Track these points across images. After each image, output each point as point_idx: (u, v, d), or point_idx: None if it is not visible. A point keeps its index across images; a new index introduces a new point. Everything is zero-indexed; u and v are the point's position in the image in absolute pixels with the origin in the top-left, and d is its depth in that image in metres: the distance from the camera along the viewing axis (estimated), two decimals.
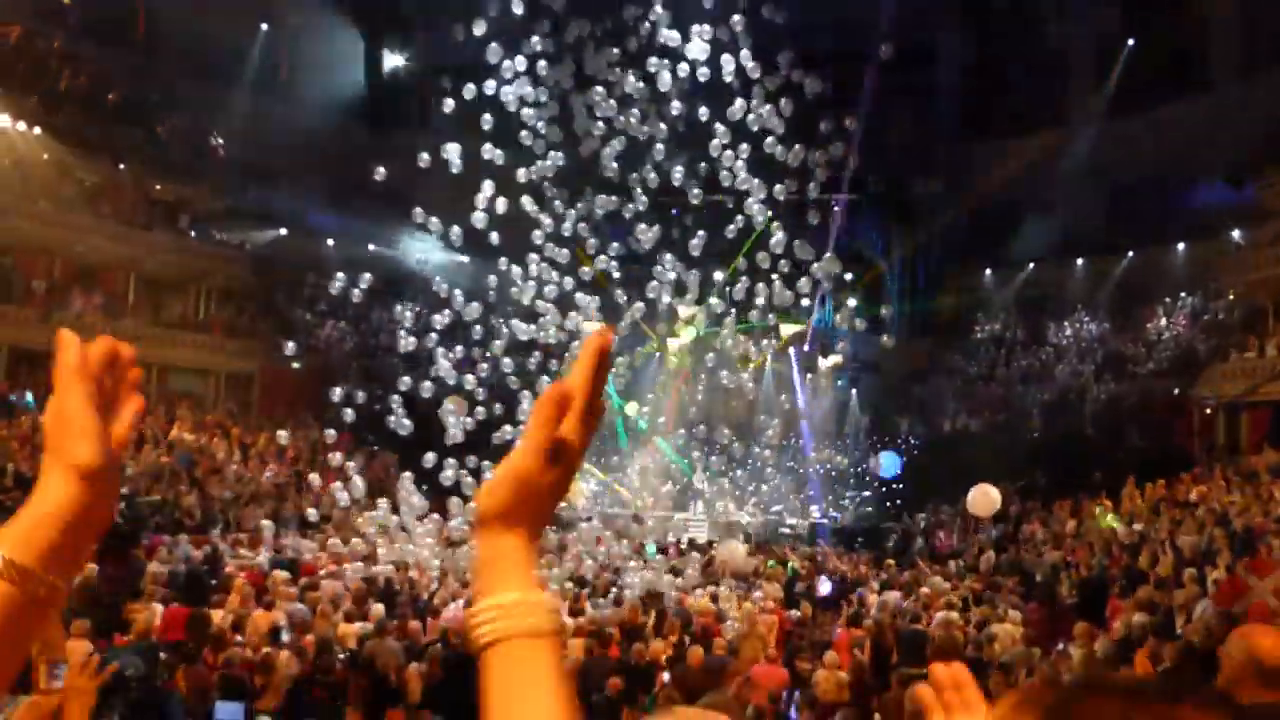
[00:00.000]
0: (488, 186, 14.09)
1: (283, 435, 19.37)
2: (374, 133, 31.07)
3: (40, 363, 23.34)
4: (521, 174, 14.26)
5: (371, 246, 29.35)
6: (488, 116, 14.07)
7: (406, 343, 15.65)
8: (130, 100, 25.65)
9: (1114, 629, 9.78)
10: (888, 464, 17.78)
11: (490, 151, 14.04)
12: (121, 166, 24.99)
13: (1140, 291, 26.53)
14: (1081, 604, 14.64)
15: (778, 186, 14.93)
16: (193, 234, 27.08)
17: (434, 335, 15.28)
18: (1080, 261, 28.39)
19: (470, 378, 15.03)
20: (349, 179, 29.43)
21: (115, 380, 1.11)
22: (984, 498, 16.15)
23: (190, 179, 26.81)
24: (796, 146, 13.78)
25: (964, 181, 31.55)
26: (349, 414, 15.85)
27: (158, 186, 26.22)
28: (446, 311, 14.81)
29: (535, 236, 14.58)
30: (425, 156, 14.06)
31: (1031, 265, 29.53)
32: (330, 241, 29.04)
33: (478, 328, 15.03)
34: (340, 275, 15.29)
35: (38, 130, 22.73)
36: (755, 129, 13.61)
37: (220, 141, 28.67)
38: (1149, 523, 17.08)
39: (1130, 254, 27.19)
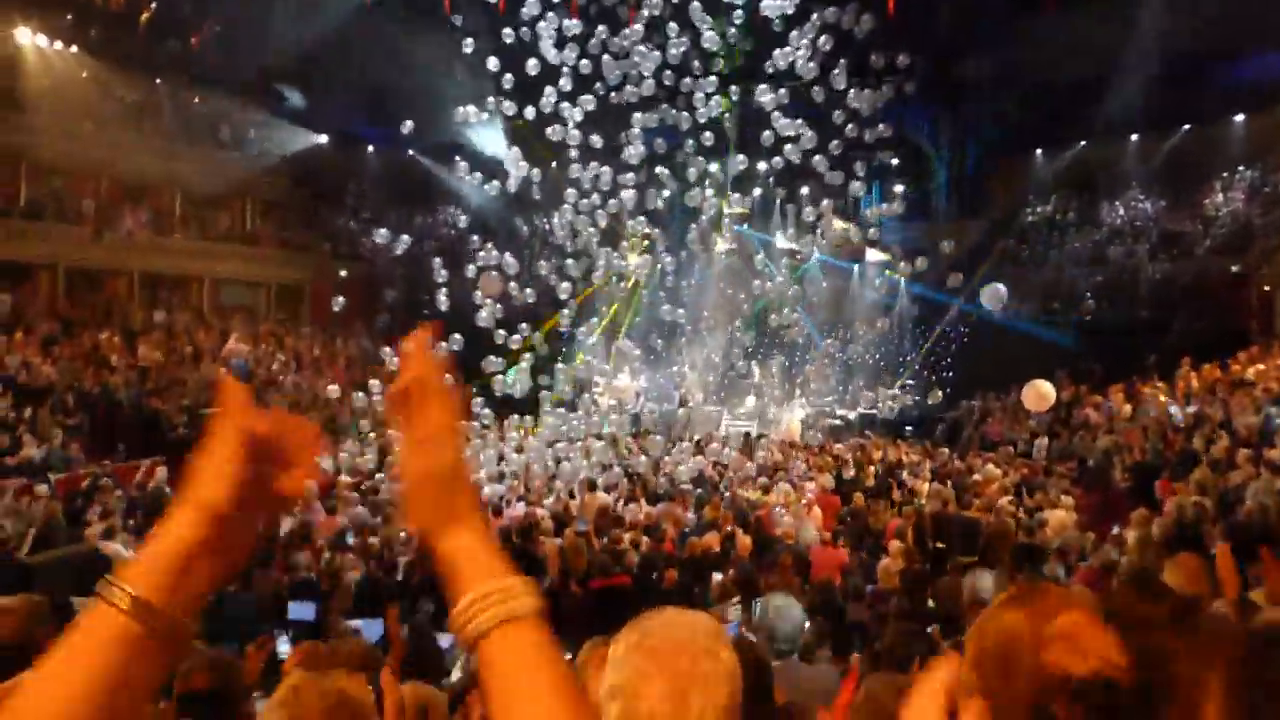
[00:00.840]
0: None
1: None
2: (407, 35, 30.57)
3: (98, 281, 23.80)
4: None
5: (410, 152, 29.27)
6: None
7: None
8: (163, 13, 25.45)
9: (1166, 511, 9.76)
10: (991, 296, 17.50)
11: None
12: (159, 81, 24.93)
13: (1196, 167, 25.73)
14: (1135, 488, 14.63)
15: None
16: (233, 146, 27.09)
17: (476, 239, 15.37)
18: (1134, 138, 27.53)
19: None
20: (385, 83, 29.25)
21: (296, 443, 1.11)
22: (1037, 394, 15.99)
23: (228, 91, 26.70)
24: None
25: (1012, 61, 30.47)
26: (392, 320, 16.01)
27: (196, 100, 26.17)
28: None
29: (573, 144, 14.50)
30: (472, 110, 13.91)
31: (1083, 144, 28.68)
32: (370, 149, 28.94)
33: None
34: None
35: (74, 49, 22.71)
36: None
37: (254, 50, 28.38)
38: (1205, 404, 16.87)
39: (1185, 128, 26.29)
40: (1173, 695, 1.16)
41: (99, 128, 23.66)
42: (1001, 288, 16.79)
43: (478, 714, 3.22)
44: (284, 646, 5.26)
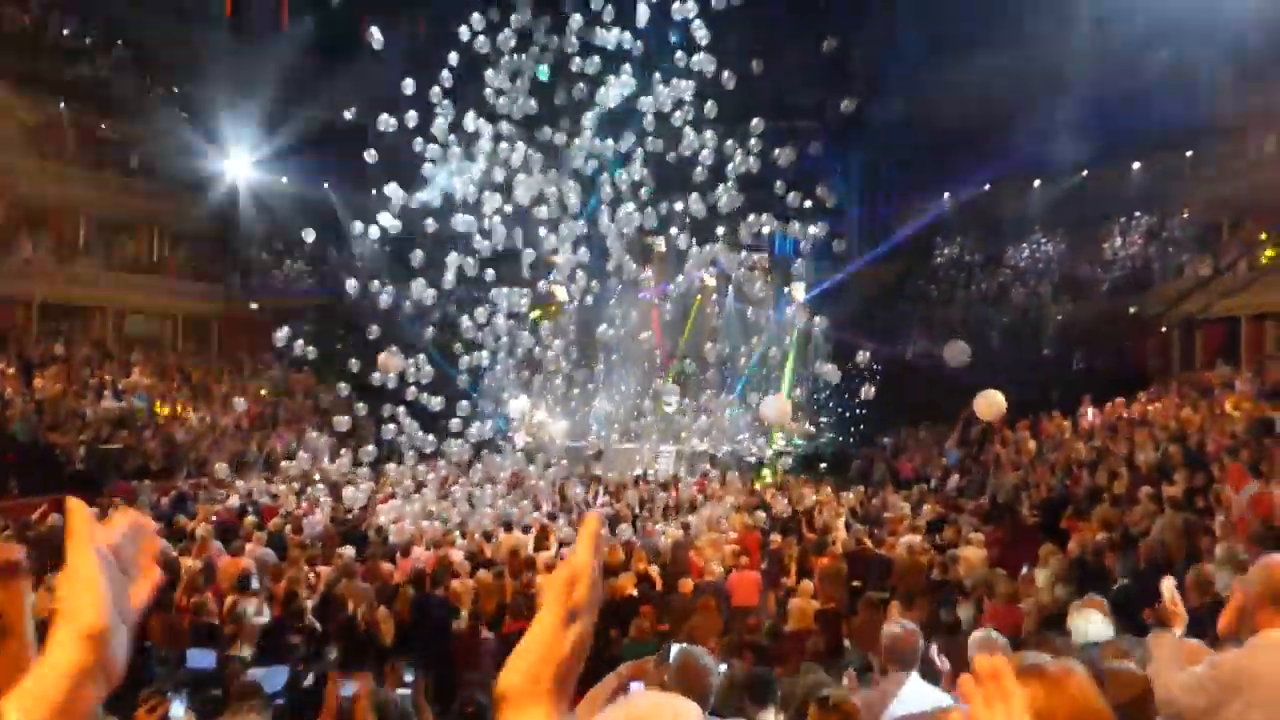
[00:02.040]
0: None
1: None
2: (325, 66, 30.29)
3: None
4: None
5: (325, 185, 28.88)
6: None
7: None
8: (71, 38, 24.78)
9: (1070, 549, 10.00)
10: (954, 353, 17.89)
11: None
12: (63, 105, 24.19)
13: (1094, 212, 26.70)
14: (1042, 524, 14.98)
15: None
16: (143, 174, 26.38)
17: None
18: (1037, 182, 28.47)
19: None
20: (304, 113, 28.85)
21: (136, 549, 1.14)
22: (988, 403, 16.36)
23: (138, 117, 26.05)
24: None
25: (919, 106, 31.45)
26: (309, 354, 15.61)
27: (104, 125, 25.47)
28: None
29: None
30: (389, 119, 13.68)
31: (988, 187, 29.58)
32: (285, 179, 28.45)
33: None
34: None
35: None
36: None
37: (166, 77, 27.81)
38: (1107, 440, 17.38)
39: (1084, 174, 27.30)
40: None
41: None
42: (963, 344, 17.19)
43: None
44: (178, 708, 5.01)
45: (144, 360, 23.36)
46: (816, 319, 22.65)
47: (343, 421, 15.21)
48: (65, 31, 24.70)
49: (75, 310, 24.60)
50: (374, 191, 15.46)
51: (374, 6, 32.85)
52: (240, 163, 27.81)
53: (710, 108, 14.24)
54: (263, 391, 23.99)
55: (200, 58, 29.44)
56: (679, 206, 15.68)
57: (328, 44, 30.83)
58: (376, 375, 14.71)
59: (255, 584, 9.55)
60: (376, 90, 15.39)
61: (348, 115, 15.05)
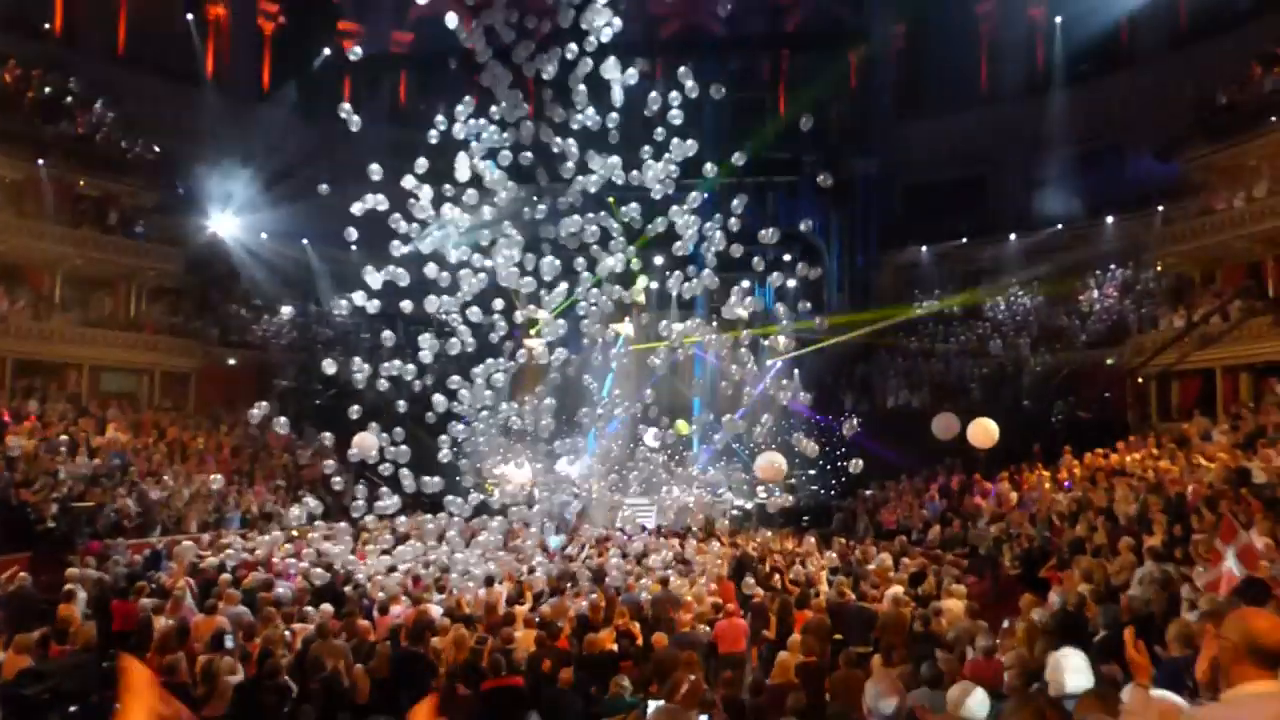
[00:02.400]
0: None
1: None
2: (305, 123, 30.60)
3: None
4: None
5: (304, 240, 29.00)
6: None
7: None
8: (51, 95, 24.88)
9: (1050, 601, 9.97)
10: (942, 427, 18.03)
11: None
12: (41, 162, 24.21)
13: (1071, 264, 27.05)
14: (1023, 575, 14.97)
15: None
16: (121, 231, 26.34)
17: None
18: (1013, 236, 28.85)
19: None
20: (281, 171, 29.02)
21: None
22: (983, 431, 16.44)
23: (116, 174, 26.09)
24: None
25: (898, 161, 32.05)
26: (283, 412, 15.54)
27: (82, 182, 25.48)
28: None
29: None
30: (363, 203, 13.73)
31: (964, 240, 29.96)
32: (264, 235, 28.51)
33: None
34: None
35: None
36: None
37: (146, 135, 27.94)
38: (1087, 491, 17.43)
39: (1060, 227, 27.70)
40: None
41: None
42: (952, 416, 17.34)
43: None
44: None
45: (119, 416, 23.15)
46: (796, 372, 22.74)
47: (324, 473, 15.11)
48: (46, 89, 24.82)
49: (50, 366, 24.38)
50: (353, 248, 15.41)
51: (356, 70, 33.36)
52: (218, 219, 27.88)
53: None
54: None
55: (180, 116, 29.69)
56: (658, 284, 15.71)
57: (307, 104, 31.21)
58: (353, 452, 14.70)
59: (230, 643, 9.39)
60: (354, 154, 15.46)
61: (323, 189, 15.00)
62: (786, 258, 17.26)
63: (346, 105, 13.87)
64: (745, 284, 15.61)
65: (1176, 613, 8.33)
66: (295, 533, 16.81)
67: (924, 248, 30.80)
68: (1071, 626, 8.37)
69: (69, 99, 25.16)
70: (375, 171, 13.57)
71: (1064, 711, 3.47)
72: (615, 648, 9.73)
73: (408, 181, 13.71)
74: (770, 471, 17.16)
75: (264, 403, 14.64)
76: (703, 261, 15.02)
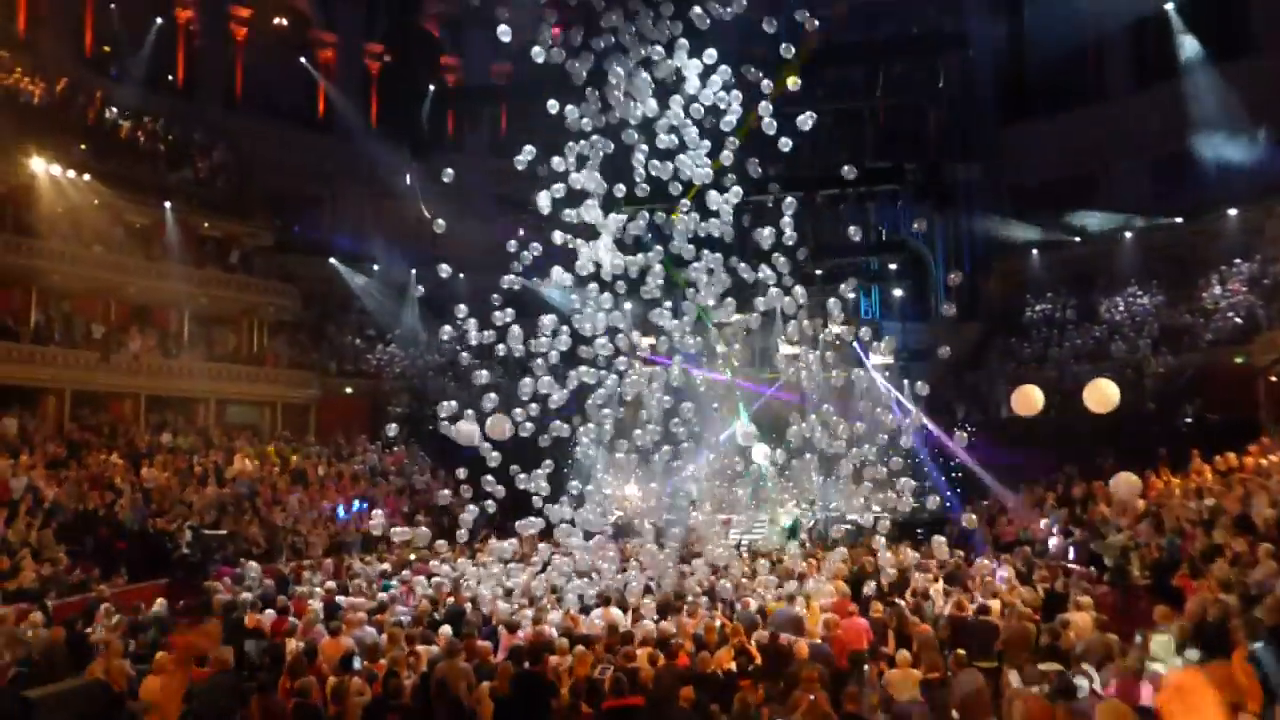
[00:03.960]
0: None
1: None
2: (413, 157, 31.44)
3: (104, 404, 23.88)
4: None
5: (414, 271, 29.75)
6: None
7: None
8: (175, 141, 26.19)
9: (1189, 610, 9.55)
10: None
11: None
12: (168, 206, 25.47)
13: (1193, 260, 26.03)
14: (1154, 586, 14.39)
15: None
16: (241, 269, 27.51)
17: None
18: (1129, 234, 27.90)
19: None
20: (389, 204, 29.93)
21: None
22: (1128, 484, 15.78)
23: (237, 215, 27.29)
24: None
25: (1004, 163, 31.32)
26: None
27: (205, 224, 26.70)
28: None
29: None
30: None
31: (1078, 240, 29.11)
32: (376, 268, 29.42)
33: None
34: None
35: (87, 176, 23.25)
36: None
37: (263, 175, 29.17)
38: (1220, 496, 16.65)
39: (1178, 221, 26.68)
40: None
41: (108, 251, 24.10)
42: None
43: None
44: None
45: (245, 447, 24.07)
46: (907, 382, 22.38)
47: (441, 496, 15.40)
48: (169, 138, 26.13)
49: (179, 401, 25.52)
50: (460, 275, 15.65)
51: (462, 104, 34.22)
52: (333, 254, 28.91)
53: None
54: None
55: (295, 157, 30.94)
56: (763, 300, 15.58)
57: (415, 141, 32.13)
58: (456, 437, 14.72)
59: (357, 664, 9.65)
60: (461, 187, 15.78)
61: (439, 225, 15.21)
62: (892, 267, 16.95)
63: (449, 171, 14.21)
64: (850, 294, 15.41)
65: None
66: (413, 556, 17.18)
67: (1034, 251, 30.03)
68: (1213, 638, 8.03)
69: (191, 146, 26.43)
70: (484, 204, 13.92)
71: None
72: (734, 666, 9.67)
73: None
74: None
75: (393, 424, 14.95)
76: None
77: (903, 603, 12.90)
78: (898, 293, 28.92)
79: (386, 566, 16.17)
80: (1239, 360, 23.32)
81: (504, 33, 13.41)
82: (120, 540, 17.76)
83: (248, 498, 20.96)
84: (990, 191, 31.67)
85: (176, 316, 26.47)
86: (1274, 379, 22.52)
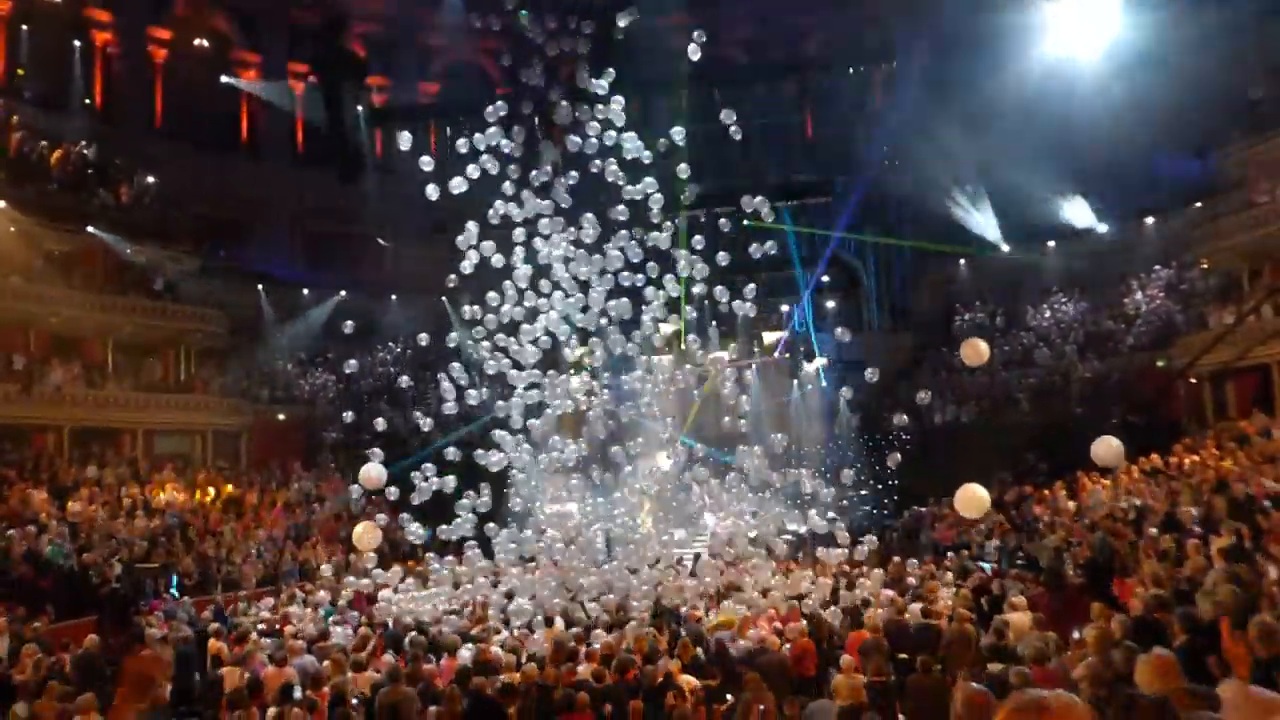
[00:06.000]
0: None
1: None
2: (341, 182, 31.14)
3: (24, 437, 23.13)
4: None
5: (343, 293, 29.42)
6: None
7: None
8: (94, 166, 25.55)
9: (1133, 606, 9.79)
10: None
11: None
12: (91, 232, 24.81)
13: (1114, 268, 26.78)
14: (1087, 584, 14.71)
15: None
16: (167, 296, 26.85)
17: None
18: (1051, 243, 28.62)
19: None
20: (318, 229, 29.62)
21: None
22: (974, 350, 15.70)
23: (161, 241, 26.66)
24: None
25: (931, 176, 31.89)
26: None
27: (128, 251, 26.05)
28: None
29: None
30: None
31: (1005, 251, 29.80)
32: (305, 292, 29.01)
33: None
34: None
35: (2, 204, 22.55)
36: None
37: (188, 201, 28.62)
38: (1146, 495, 17.12)
39: (1102, 230, 27.43)
40: None
41: (28, 281, 23.37)
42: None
43: None
44: None
45: (175, 478, 23.48)
46: (840, 392, 22.64)
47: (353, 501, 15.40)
48: (89, 163, 25.51)
49: (106, 432, 24.81)
50: (392, 297, 15.69)
51: (390, 124, 33.98)
52: (262, 277, 28.45)
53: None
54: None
55: (219, 182, 30.43)
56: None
57: (340, 163, 31.84)
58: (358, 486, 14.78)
59: (297, 693, 9.45)
60: (389, 208, 15.88)
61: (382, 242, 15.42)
62: (825, 279, 17.22)
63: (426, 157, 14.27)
64: (784, 308, 15.67)
65: (1255, 611, 8.14)
66: (352, 580, 16.92)
67: (962, 261, 30.64)
68: (1147, 632, 8.21)
69: (112, 171, 25.80)
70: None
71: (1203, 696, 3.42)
72: (683, 679, 9.66)
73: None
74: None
75: (357, 486, 14.81)
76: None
77: (843, 609, 13.04)
78: (830, 304, 29.32)
79: (325, 594, 15.89)
80: (1160, 364, 24.04)
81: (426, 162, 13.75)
82: (45, 577, 17.18)
83: (179, 529, 20.45)
84: (921, 203, 32.26)
85: (100, 346, 25.71)
86: (1193, 381, 23.26)
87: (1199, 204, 24.41)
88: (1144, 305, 25.24)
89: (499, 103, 13.85)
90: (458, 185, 14.20)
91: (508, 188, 14.48)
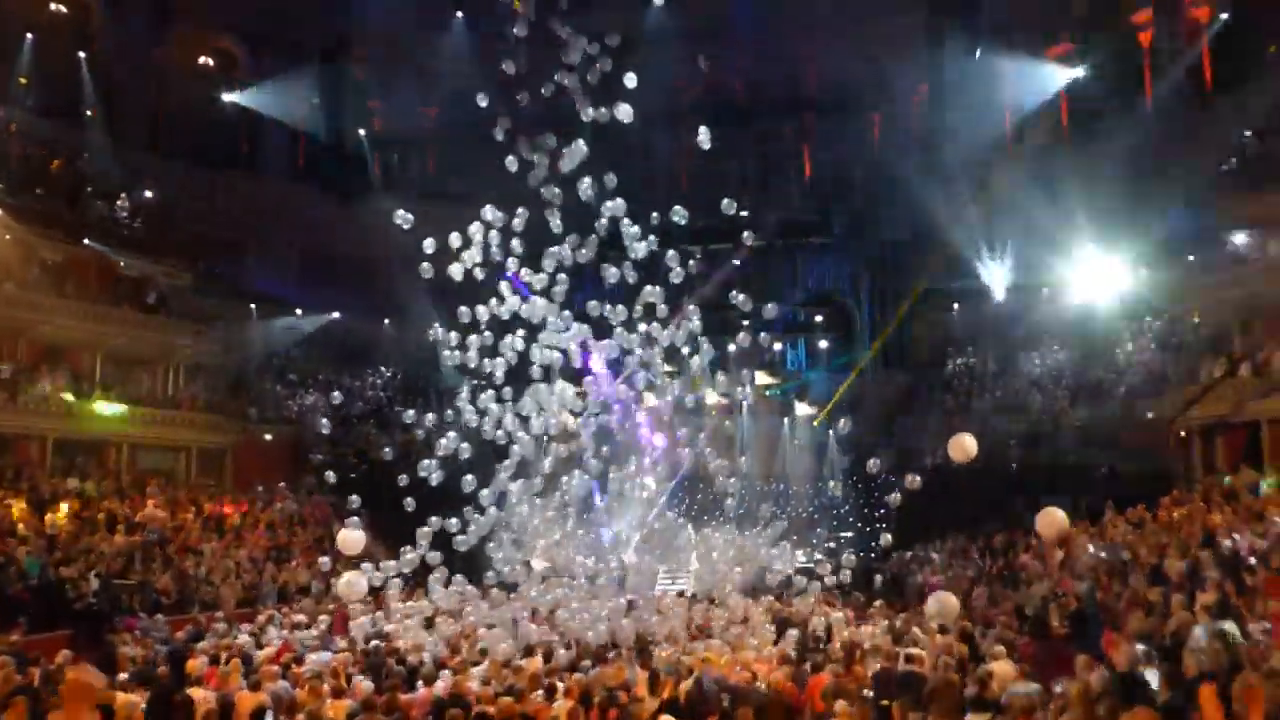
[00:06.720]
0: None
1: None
2: (339, 201, 31.18)
3: (7, 446, 22.94)
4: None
5: (336, 314, 29.36)
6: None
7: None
8: (92, 178, 25.54)
9: (1117, 662, 9.69)
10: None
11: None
12: (86, 243, 24.76)
13: (1105, 319, 26.82)
14: (1073, 635, 14.59)
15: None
16: (159, 310, 26.77)
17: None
18: (1045, 290, 28.69)
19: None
20: (314, 249, 29.58)
21: None
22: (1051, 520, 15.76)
23: (155, 256, 26.61)
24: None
25: (927, 220, 32.01)
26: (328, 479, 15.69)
27: (122, 263, 25.98)
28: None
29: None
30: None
31: (1000, 297, 29.87)
32: (298, 312, 28.94)
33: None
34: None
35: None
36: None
37: (184, 216, 28.61)
38: (1133, 546, 17.04)
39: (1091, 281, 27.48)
40: None
41: (20, 288, 23.27)
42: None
43: None
44: None
45: (157, 493, 23.27)
46: (831, 432, 22.58)
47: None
48: (86, 174, 25.51)
49: (89, 445, 24.62)
50: (385, 321, 15.69)
51: (384, 145, 34.09)
52: (255, 295, 28.37)
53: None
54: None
55: (216, 198, 30.42)
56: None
57: (339, 183, 31.93)
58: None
59: (270, 718, 9.28)
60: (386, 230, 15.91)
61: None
62: (818, 319, 17.23)
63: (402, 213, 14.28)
64: (777, 346, 15.68)
65: (1239, 670, 8.07)
66: (331, 608, 16.75)
67: (955, 304, 30.70)
68: (1132, 688, 8.13)
69: (109, 182, 25.78)
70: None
71: None
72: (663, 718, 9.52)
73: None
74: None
75: (355, 518, 14.79)
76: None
77: (831, 654, 12.90)
78: (824, 344, 29.35)
79: (303, 617, 15.69)
80: (1150, 415, 24.04)
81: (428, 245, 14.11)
82: (21, 589, 16.96)
83: (159, 545, 20.23)
84: (917, 245, 32.36)
85: (90, 357, 25.55)
86: (1183, 434, 23.25)
87: (1191, 257, 24.48)
88: (1136, 356, 25.29)
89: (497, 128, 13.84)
90: (456, 272, 14.43)
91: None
